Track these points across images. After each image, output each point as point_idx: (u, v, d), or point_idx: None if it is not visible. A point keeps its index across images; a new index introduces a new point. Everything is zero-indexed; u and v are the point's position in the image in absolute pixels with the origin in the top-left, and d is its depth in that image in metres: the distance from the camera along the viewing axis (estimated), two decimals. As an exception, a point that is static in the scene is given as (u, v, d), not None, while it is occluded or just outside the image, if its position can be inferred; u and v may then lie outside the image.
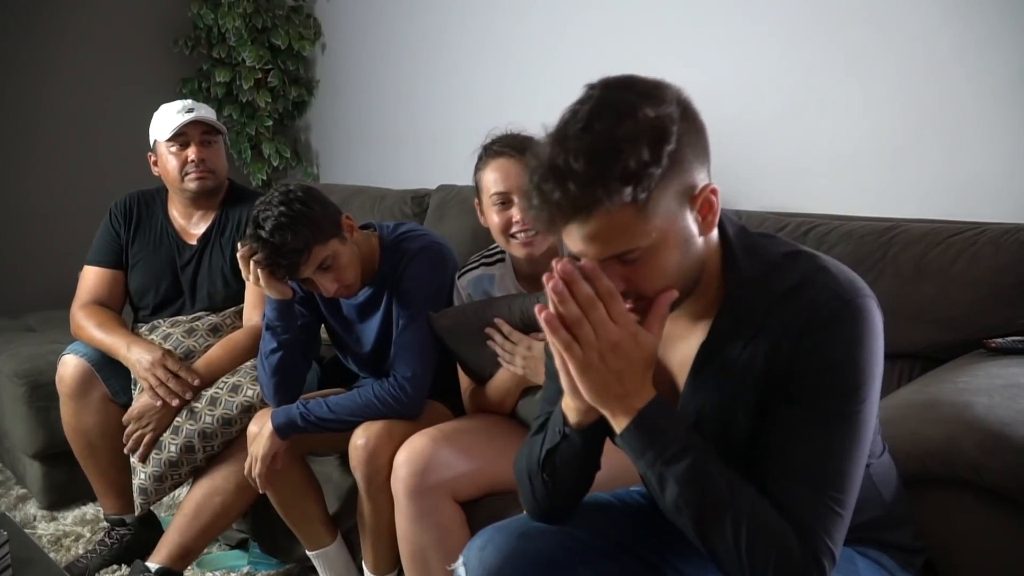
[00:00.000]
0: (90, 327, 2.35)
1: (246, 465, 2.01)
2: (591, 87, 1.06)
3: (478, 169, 1.90)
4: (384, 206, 3.12)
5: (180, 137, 2.34)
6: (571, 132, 1.01)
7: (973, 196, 2.08)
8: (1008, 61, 2.01)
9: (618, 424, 1.08)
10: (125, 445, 2.21)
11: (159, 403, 2.18)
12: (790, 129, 2.39)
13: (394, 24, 3.63)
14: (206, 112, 2.39)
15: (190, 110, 2.36)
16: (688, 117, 1.05)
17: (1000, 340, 1.73)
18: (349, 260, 1.96)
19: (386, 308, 2.06)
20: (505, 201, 1.84)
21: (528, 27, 3.06)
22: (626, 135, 0.99)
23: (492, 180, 1.85)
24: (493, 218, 1.86)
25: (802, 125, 2.37)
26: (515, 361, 1.78)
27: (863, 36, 2.22)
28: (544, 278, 1.04)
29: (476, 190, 1.92)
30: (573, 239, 1.05)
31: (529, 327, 1.80)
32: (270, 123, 3.97)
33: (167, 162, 2.37)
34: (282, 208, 1.86)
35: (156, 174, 2.44)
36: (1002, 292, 1.79)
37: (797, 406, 1.06)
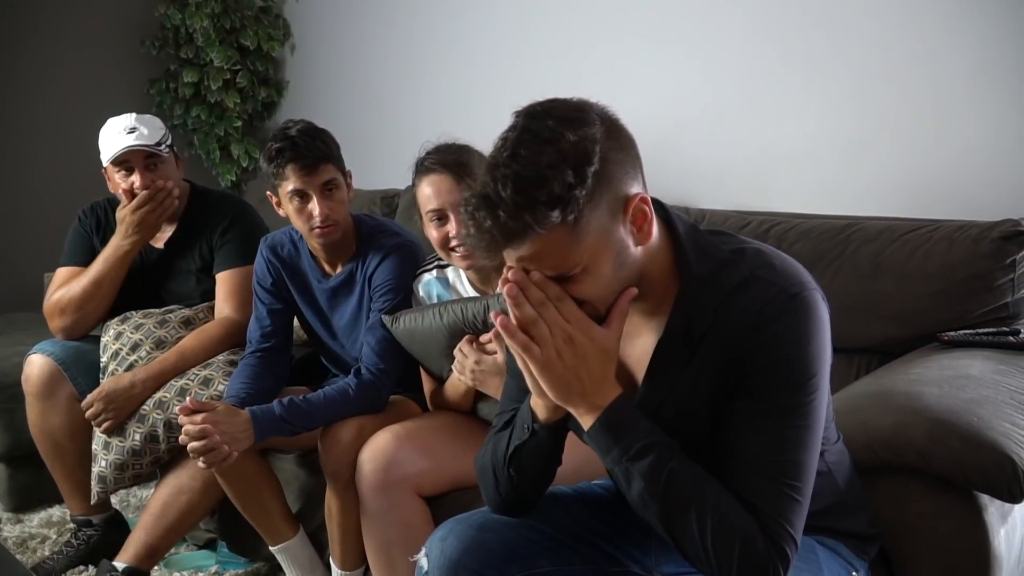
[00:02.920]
0: (71, 287, 2.35)
1: (205, 446, 1.81)
2: (517, 115, 1.10)
3: (414, 184, 1.91)
4: (353, 206, 3.05)
5: (124, 163, 2.31)
6: (500, 161, 1.05)
7: (927, 194, 2.13)
8: (960, 64, 2.06)
9: (585, 422, 1.12)
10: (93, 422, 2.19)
11: None
12: (751, 130, 2.44)
13: (363, 25, 3.64)
14: (148, 130, 2.32)
15: (132, 130, 2.30)
16: (613, 134, 1.08)
17: (953, 333, 1.78)
18: (344, 202, 2.06)
19: (358, 297, 2.09)
20: (441, 216, 1.86)
21: (495, 28, 3.08)
22: (549, 161, 1.03)
23: (426, 196, 1.87)
24: (432, 233, 1.88)
25: (763, 126, 2.42)
26: (465, 373, 1.80)
27: (822, 40, 2.27)
28: (499, 283, 1.08)
29: (415, 202, 1.93)
30: (512, 262, 1.09)
31: (482, 330, 1.82)
32: (239, 124, 3.95)
33: (117, 186, 2.35)
34: (308, 124, 2.03)
35: (112, 191, 2.42)
36: (955, 287, 1.84)
37: (751, 400, 1.09)
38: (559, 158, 1.03)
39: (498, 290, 1.08)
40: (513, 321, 1.09)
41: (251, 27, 3.86)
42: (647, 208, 1.10)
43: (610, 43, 2.73)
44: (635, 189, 1.10)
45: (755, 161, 2.44)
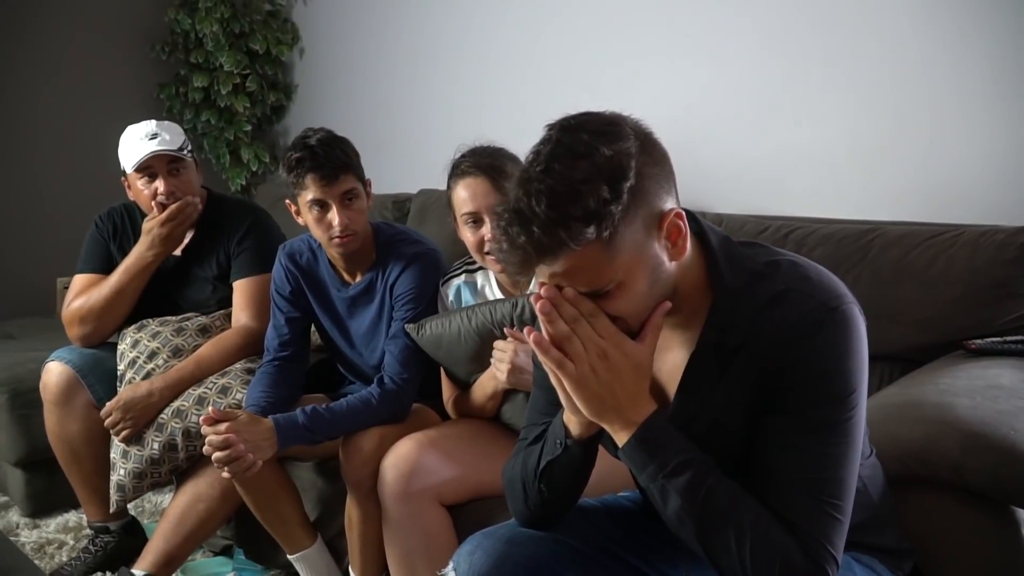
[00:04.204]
0: (91, 295, 2.35)
1: (229, 455, 1.81)
2: (550, 127, 1.08)
3: (449, 187, 1.92)
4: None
5: (147, 169, 2.31)
6: (533, 175, 1.04)
7: (949, 198, 2.11)
8: (982, 64, 2.04)
9: (619, 439, 1.11)
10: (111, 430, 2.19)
11: None
12: (769, 133, 2.42)
13: (372, 28, 3.63)
14: (170, 135, 2.34)
15: (153, 135, 2.31)
16: (647, 149, 1.07)
17: (980, 341, 1.76)
18: (364, 211, 2.04)
19: (378, 305, 2.09)
20: (476, 220, 1.86)
21: (507, 30, 3.07)
22: (584, 176, 1.02)
23: (462, 200, 1.87)
24: (467, 235, 1.89)
25: (780, 129, 2.40)
26: (501, 369, 1.79)
27: (840, 41, 2.25)
28: (532, 299, 1.08)
29: (449, 206, 1.93)
30: (545, 278, 1.08)
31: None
32: (248, 128, 3.95)
33: (139, 193, 2.35)
34: (328, 133, 2.02)
35: (131, 199, 2.42)
36: (979, 293, 1.82)
37: (789, 416, 1.08)
38: (594, 173, 1.02)
39: (530, 292, 1.07)
40: (546, 337, 1.08)
41: (260, 31, 3.86)
42: (682, 223, 1.09)
43: (624, 45, 2.71)
44: (669, 204, 1.09)
45: (772, 164, 2.43)
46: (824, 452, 1.06)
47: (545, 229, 1.01)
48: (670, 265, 1.10)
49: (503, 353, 1.79)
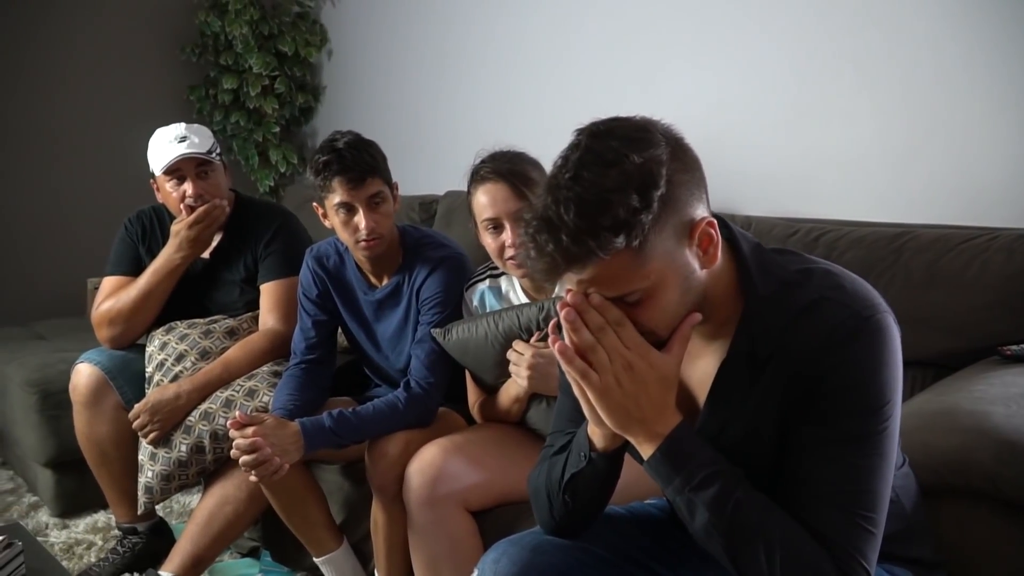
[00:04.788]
0: (120, 298, 2.37)
1: (256, 459, 1.82)
2: (579, 132, 1.07)
3: (469, 192, 1.91)
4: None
5: (175, 172, 2.33)
6: (561, 182, 1.02)
7: (982, 201, 2.07)
8: (1015, 64, 2.00)
9: (644, 451, 1.09)
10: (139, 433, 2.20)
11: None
12: (798, 134, 2.39)
13: (400, 30, 3.64)
14: (199, 138, 2.35)
15: (182, 138, 2.32)
16: (678, 155, 1.05)
17: (1015, 347, 1.72)
18: (391, 215, 2.03)
19: (405, 309, 2.09)
20: (497, 226, 1.85)
21: (534, 32, 3.06)
22: (614, 184, 1.00)
23: (482, 205, 1.86)
24: (488, 241, 1.88)
25: (810, 130, 2.37)
26: (521, 373, 1.78)
27: (871, 42, 2.22)
28: (557, 306, 1.06)
29: (469, 212, 1.93)
30: (572, 285, 1.07)
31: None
32: (277, 129, 3.98)
33: (168, 195, 2.37)
34: (355, 136, 2.01)
35: (160, 201, 2.44)
36: (1014, 298, 1.79)
37: (822, 427, 1.05)
38: (624, 181, 1.00)
39: (556, 297, 1.06)
40: (570, 346, 1.06)
41: (289, 33, 3.88)
42: (714, 232, 1.07)
43: (651, 47, 2.69)
44: (701, 212, 1.07)
45: (801, 167, 2.40)
46: (857, 464, 1.04)
47: (574, 238, 1.00)
48: (701, 273, 1.08)
49: (521, 357, 1.78)
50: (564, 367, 1.07)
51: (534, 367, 1.76)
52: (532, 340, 1.80)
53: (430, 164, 3.50)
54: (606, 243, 0.99)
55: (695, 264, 1.07)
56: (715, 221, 1.08)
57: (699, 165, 1.09)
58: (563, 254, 1.01)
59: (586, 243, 1.00)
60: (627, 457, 1.22)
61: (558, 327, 1.08)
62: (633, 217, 0.99)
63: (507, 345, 1.84)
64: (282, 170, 4.02)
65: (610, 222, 0.99)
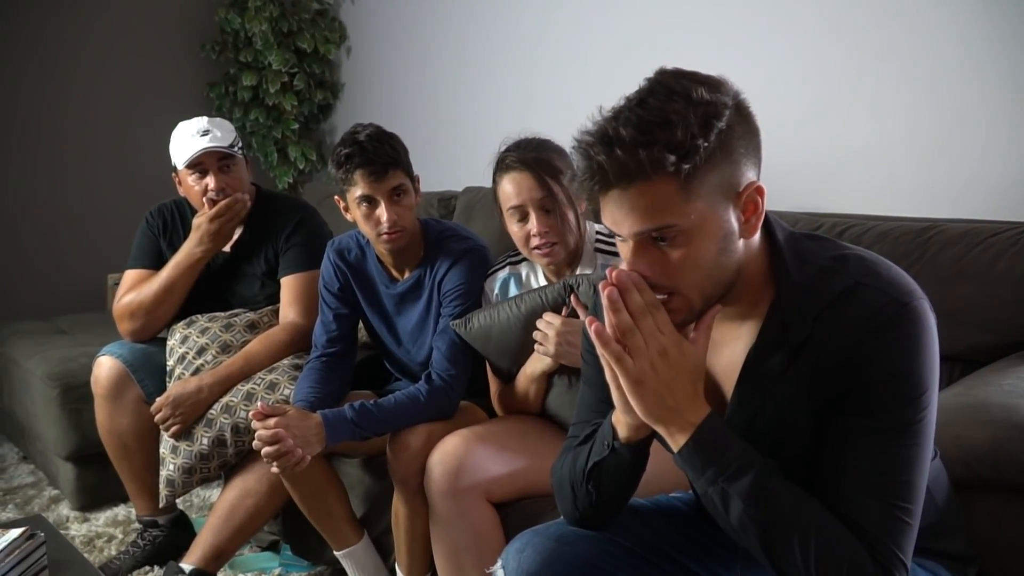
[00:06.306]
0: (141, 291, 2.38)
1: (278, 450, 1.81)
2: (650, 76, 1.06)
3: (494, 181, 1.91)
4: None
5: (198, 166, 2.33)
6: (625, 107, 1.02)
7: (1010, 195, 2.05)
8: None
9: (675, 442, 1.07)
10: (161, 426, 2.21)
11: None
12: (822, 128, 2.37)
13: (419, 26, 3.64)
14: (221, 132, 2.36)
15: (205, 132, 2.33)
16: (743, 113, 1.05)
17: (1044, 342, 1.70)
18: (412, 207, 2.03)
19: (426, 302, 2.08)
20: (523, 215, 1.85)
21: (554, 28, 3.05)
22: (677, 109, 1.00)
23: (507, 194, 1.87)
24: (513, 229, 1.89)
25: (835, 124, 2.35)
26: (550, 340, 1.77)
27: (896, 34, 2.20)
28: (600, 286, 1.04)
29: (495, 200, 1.93)
30: (611, 209, 1.04)
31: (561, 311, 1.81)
32: (296, 126, 3.98)
33: (190, 189, 2.37)
34: (377, 128, 2.01)
35: (182, 195, 2.44)
36: (1043, 293, 1.76)
37: (858, 416, 1.04)
38: (687, 108, 1.00)
39: (600, 289, 1.04)
40: (608, 329, 1.04)
41: (308, 30, 3.89)
42: (760, 199, 1.06)
43: (675, 40, 2.67)
44: (752, 175, 1.06)
45: (826, 160, 2.38)
46: (895, 454, 1.02)
47: (627, 150, 0.99)
48: (739, 242, 1.07)
49: (550, 325, 1.77)
50: (599, 350, 1.05)
51: (562, 334, 1.76)
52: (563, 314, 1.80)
53: (449, 160, 3.49)
54: (658, 159, 0.98)
55: (736, 227, 1.06)
56: (764, 189, 1.06)
57: (758, 133, 1.08)
58: (613, 165, 1.00)
59: (638, 155, 0.98)
60: (653, 451, 1.20)
61: (590, 308, 1.07)
62: (690, 141, 0.98)
63: (529, 327, 1.83)
64: (301, 167, 4.02)
65: (667, 139, 0.98)
